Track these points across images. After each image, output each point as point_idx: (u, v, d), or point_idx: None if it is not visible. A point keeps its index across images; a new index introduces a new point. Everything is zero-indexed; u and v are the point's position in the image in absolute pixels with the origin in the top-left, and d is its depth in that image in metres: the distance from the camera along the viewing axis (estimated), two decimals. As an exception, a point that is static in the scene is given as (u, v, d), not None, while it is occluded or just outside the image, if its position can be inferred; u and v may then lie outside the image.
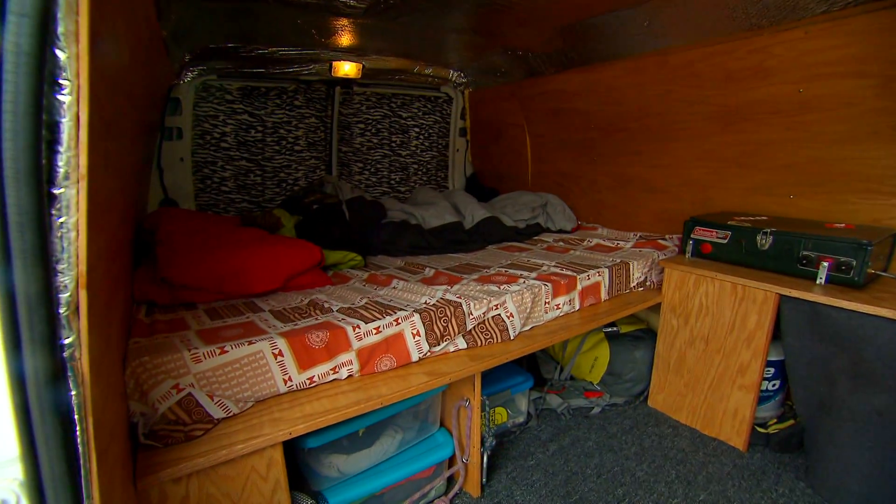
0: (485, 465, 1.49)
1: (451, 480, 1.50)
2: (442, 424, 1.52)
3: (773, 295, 1.51)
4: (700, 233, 1.76)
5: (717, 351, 1.69)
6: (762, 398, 1.69)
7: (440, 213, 2.18)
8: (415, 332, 1.25)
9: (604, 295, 1.75)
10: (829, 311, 1.39)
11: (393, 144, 3.11)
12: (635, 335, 2.00)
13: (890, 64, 1.48)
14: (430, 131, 3.25)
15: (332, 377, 1.17)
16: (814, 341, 1.47)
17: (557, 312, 1.60)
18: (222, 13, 1.89)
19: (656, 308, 1.89)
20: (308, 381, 1.14)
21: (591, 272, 1.70)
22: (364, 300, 1.37)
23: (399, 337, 1.23)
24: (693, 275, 1.71)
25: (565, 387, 2.02)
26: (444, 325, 1.29)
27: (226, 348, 1.04)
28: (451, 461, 1.48)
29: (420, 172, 3.27)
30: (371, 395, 1.13)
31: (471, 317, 1.34)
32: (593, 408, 1.94)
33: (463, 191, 3.00)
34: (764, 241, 1.58)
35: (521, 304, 1.45)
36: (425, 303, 1.33)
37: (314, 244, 1.60)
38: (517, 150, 3.08)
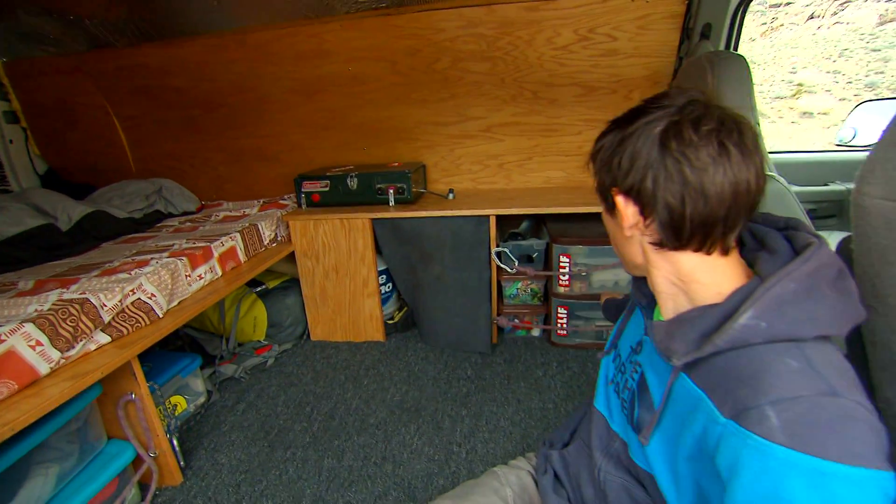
0: (177, 450, 1.46)
1: (145, 483, 1.40)
2: (111, 437, 1.37)
3: (367, 221, 2.05)
4: (308, 186, 2.14)
5: (346, 275, 2.16)
6: (384, 299, 2.29)
7: (17, 218, 1.74)
8: (33, 342, 1.07)
9: (242, 257, 1.90)
10: (401, 221, 2.03)
11: None
12: (283, 286, 2.27)
13: (391, 52, 2.16)
14: (-56, 114, 2.37)
15: None
16: (398, 246, 2.11)
17: (201, 282, 1.66)
18: None
19: (292, 257, 2.19)
20: None
21: (224, 238, 1.81)
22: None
23: (10, 356, 1.03)
24: (311, 221, 2.09)
25: (236, 354, 2.11)
26: (73, 325, 1.16)
27: None
28: (139, 464, 1.37)
29: (-47, 177, 2.39)
30: (-11, 431, 0.94)
31: (105, 308, 1.24)
32: (267, 360, 2.12)
33: (43, 189, 2.41)
34: (352, 183, 2.10)
35: (160, 283, 1.43)
36: (37, 310, 1.14)
37: None
38: (107, 137, 2.68)
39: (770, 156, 1.57)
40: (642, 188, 0.57)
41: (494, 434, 1.59)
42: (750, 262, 0.62)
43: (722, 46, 1.91)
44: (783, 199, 1.43)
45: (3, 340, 1.03)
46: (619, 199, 0.59)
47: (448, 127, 2.35)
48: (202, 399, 1.84)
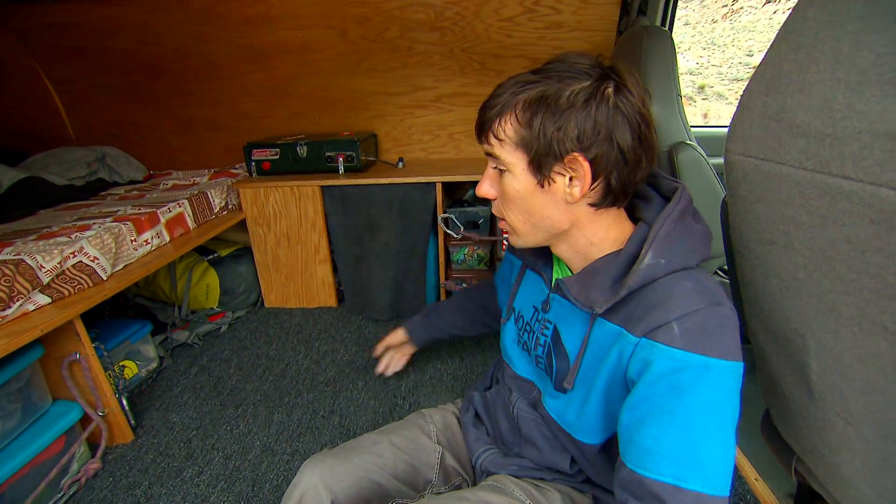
0: (127, 409, 1.50)
1: (95, 443, 1.43)
2: (58, 398, 1.39)
3: (317, 188, 2.08)
4: (258, 154, 2.15)
5: (297, 242, 2.19)
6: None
7: (-57, 184, 1.68)
8: (-33, 301, 1.08)
9: (191, 224, 1.90)
10: (350, 189, 2.07)
11: None
12: (235, 254, 2.28)
13: (341, 20, 2.15)
14: None
15: None
16: (345, 217, 2.12)
17: (147, 247, 1.66)
18: None
19: (243, 226, 2.20)
20: None
21: (171, 204, 1.81)
22: None
23: (-55, 314, 1.04)
24: (262, 188, 2.10)
25: (189, 321, 2.13)
26: (9, 285, 1.17)
27: None
28: (87, 424, 1.41)
29: None
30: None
31: (43, 270, 1.25)
32: (221, 327, 2.15)
33: (-30, 155, 2.30)
34: (302, 151, 2.12)
35: (103, 247, 1.44)
36: (-30, 271, 1.14)
37: None
38: (38, 101, 2.55)
39: (693, 129, 1.69)
40: (607, 151, 0.59)
41: (437, 388, 1.70)
42: (626, 210, 0.71)
43: (658, 22, 2.01)
44: (699, 166, 1.56)
45: (-65, 299, 1.04)
46: (587, 167, 0.60)
47: (399, 97, 2.38)
48: (154, 364, 1.86)
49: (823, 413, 0.72)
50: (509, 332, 0.87)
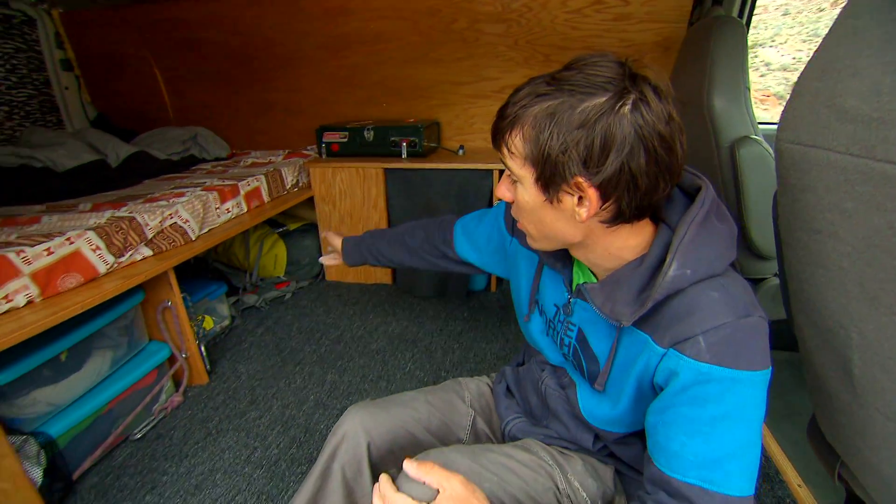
0: (205, 355, 1.71)
1: (178, 380, 1.66)
2: (151, 339, 1.62)
3: (381, 171, 2.21)
4: (328, 136, 2.31)
5: (359, 220, 2.34)
6: (395, 247, 2.47)
7: (75, 153, 1.97)
8: (94, 246, 1.30)
9: (265, 197, 2.10)
10: (410, 172, 2.19)
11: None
12: (303, 229, 2.48)
13: (412, 12, 2.24)
14: (15, 62, 2.60)
15: (6, 307, 1.13)
16: (406, 199, 2.25)
17: (228, 215, 1.87)
18: None
19: (311, 204, 2.38)
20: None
21: (250, 179, 2.01)
22: (14, 235, 1.29)
23: (77, 255, 1.26)
24: (330, 168, 2.27)
25: (258, 286, 2.35)
26: (123, 237, 1.38)
27: None
28: (173, 363, 1.63)
29: (18, 116, 2.64)
30: (64, 307, 1.18)
31: (148, 227, 1.46)
32: (286, 294, 2.35)
33: (95, 129, 2.65)
34: (369, 136, 2.25)
35: (193, 211, 1.65)
36: (95, 223, 1.37)
37: None
38: (149, 86, 2.89)
39: (765, 126, 1.62)
40: (616, 176, 0.55)
41: (480, 364, 1.77)
42: None
43: (735, 13, 1.93)
44: (763, 162, 1.51)
45: (72, 242, 1.27)
46: (592, 192, 0.56)
47: (463, 87, 2.45)
48: (227, 322, 2.09)
49: (866, 410, 0.69)
50: (536, 325, 0.86)
